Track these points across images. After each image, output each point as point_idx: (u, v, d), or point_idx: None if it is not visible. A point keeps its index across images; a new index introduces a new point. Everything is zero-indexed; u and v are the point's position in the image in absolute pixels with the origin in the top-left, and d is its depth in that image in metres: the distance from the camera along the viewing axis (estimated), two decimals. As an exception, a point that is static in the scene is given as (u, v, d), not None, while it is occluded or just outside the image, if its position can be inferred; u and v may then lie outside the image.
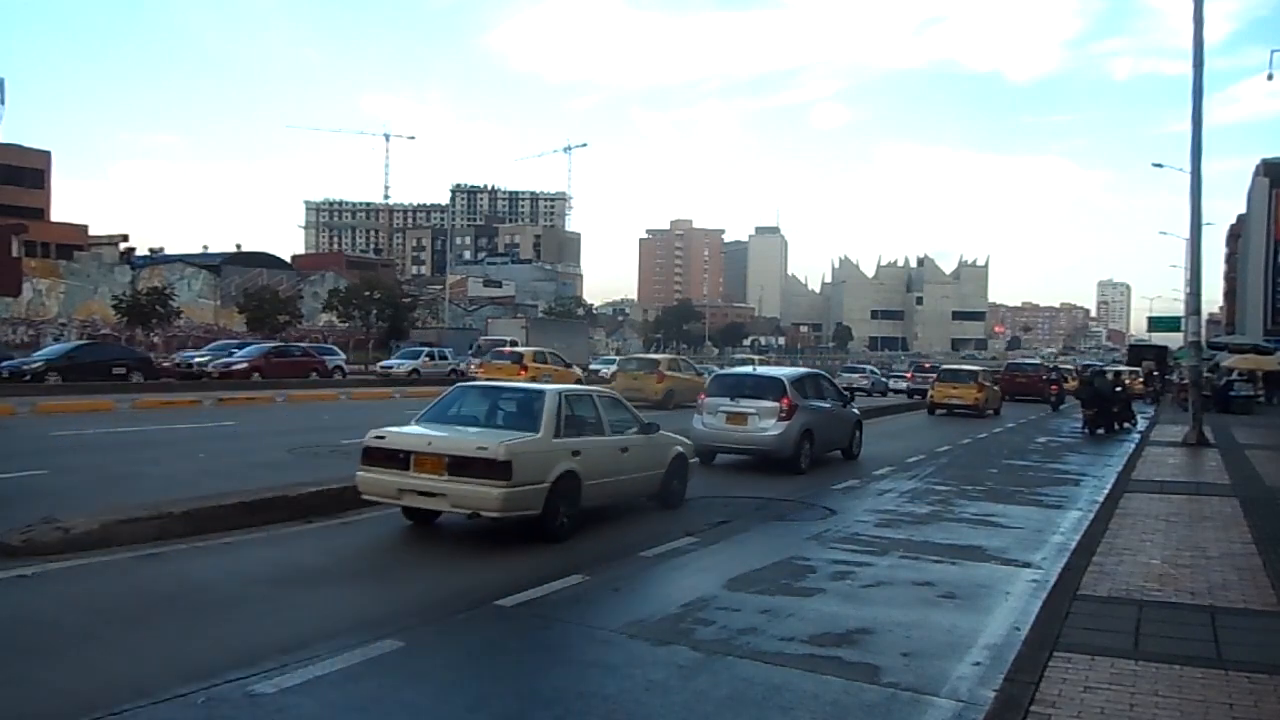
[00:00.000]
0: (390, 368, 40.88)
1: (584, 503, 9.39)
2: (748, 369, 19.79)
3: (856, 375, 47.07)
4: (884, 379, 49.49)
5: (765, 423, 14.80)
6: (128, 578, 7.04)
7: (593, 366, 58.24)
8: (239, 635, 5.79)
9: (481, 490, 8.36)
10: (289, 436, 16.22)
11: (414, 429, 9.50)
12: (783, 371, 17.10)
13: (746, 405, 15.10)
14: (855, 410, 17.88)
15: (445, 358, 43.67)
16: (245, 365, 32.76)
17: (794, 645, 5.95)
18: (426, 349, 45.75)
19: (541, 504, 8.73)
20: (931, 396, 30.51)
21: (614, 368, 36.50)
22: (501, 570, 7.62)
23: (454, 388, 10.90)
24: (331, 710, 4.73)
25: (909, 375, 48.36)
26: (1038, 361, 57.73)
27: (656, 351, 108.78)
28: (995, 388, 32.09)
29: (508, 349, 35.52)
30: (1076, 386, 35.38)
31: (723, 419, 15.17)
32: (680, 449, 11.38)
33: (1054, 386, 37.12)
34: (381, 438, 9.13)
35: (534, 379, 25.71)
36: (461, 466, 8.47)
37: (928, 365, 50.61)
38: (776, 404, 14.92)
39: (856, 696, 5.13)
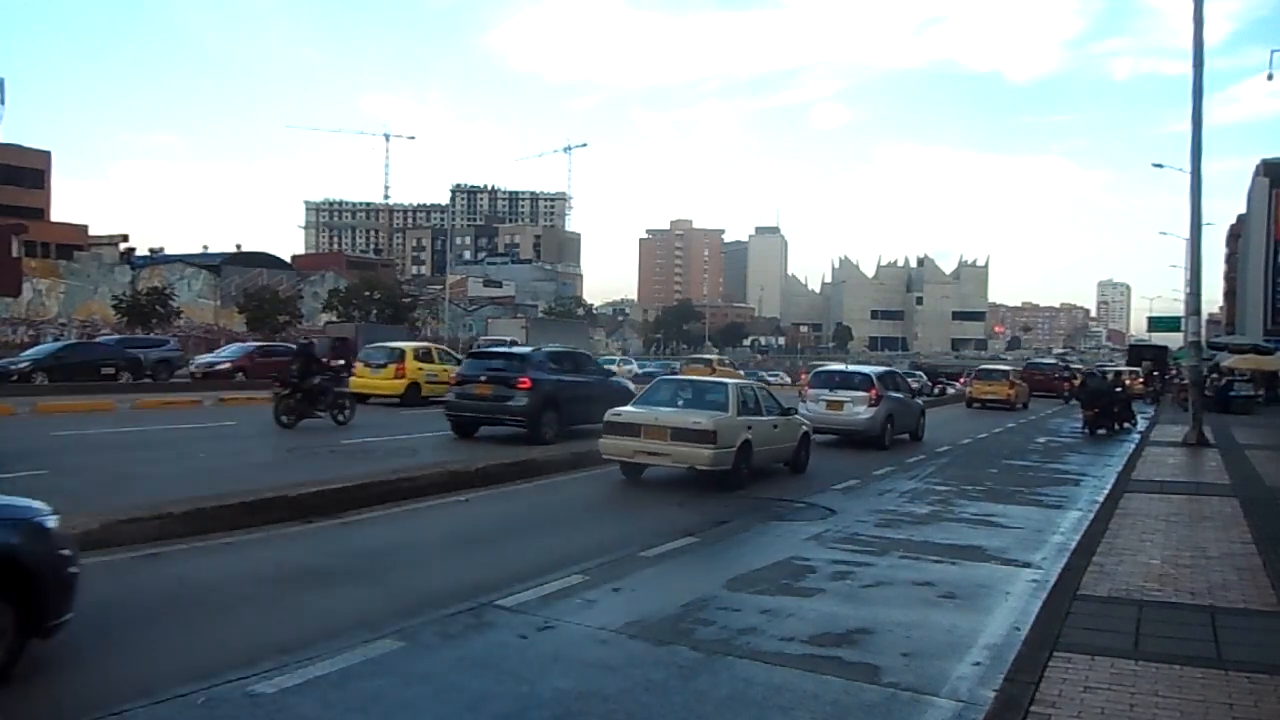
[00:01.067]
0: None
1: (753, 463, 12.82)
2: (840, 366, 23.84)
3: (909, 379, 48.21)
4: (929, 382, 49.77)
5: (858, 409, 18.48)
6: (128, 578, 7.04)
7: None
8: (239, 635, 5.79)
9: (696, 451, 11.96)
10: (289, 437, 16.22)
11: (639, 409, 13.14)
12: (869, 368, 21.35)
13: (842, 395, 18.80)
14: (919, 402, 22.60)
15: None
16: (229, 365, 32.18)
17: (794, 645, 5.95)
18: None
19: (731, 461, 12.27)
20: (970, 392, 35.26)
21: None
22: (501, 570, 7.61)
23: (656, 380, 15.75)
24: (331, 710, 4.73)
25: (960, 380, 50.04)
26: (1053, 361, 65.00)
27: (656, 352, 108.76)
28: (1024, 384, 36.57)
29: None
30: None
31: (823, 406, 18.66)
32: (806, 428, 15.06)
33: (1066, 384, 41.10)
34: (619, 415, 12.90)
35: (717, 375, 30.73)
36: (681, 435, 12.10)
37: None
38: (867, 394, 18.63)
39: (856, 696, 5.13)
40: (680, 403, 13.31)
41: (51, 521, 5.08)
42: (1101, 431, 23.93)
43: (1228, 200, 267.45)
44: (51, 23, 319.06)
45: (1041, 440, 22.58)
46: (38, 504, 5.11)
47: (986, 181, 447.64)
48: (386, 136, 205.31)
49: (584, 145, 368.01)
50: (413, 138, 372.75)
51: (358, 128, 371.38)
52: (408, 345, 26.61)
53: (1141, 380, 41.69)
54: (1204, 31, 19.73)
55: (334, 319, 70.06)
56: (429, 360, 25.06)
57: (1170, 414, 31.71)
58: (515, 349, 20.09)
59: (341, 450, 14.84)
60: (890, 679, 5.39)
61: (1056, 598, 6.84)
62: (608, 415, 12.99)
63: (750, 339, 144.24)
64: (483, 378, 16.70)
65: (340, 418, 18.15)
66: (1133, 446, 20.04)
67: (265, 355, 33.88)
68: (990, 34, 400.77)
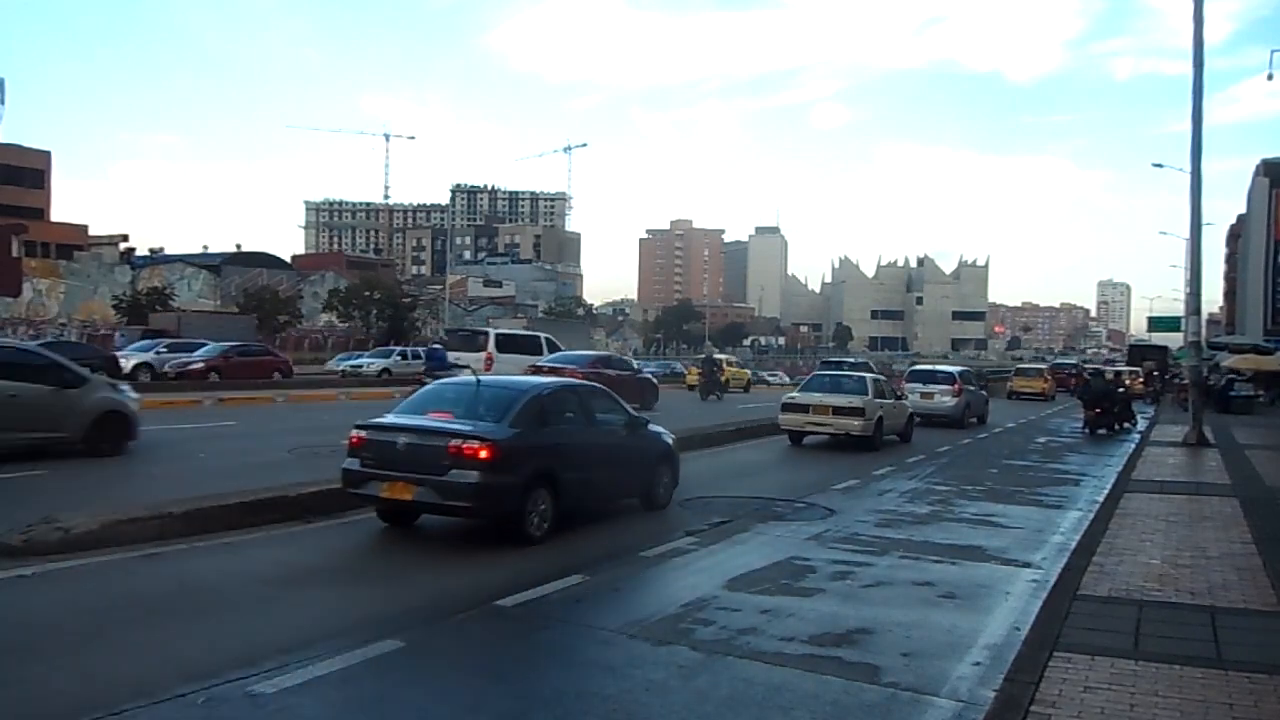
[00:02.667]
0: (360, 367, 39.91)
1: (883, 432, 18.15)
2: (929, 365, 33.50)
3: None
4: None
5: (945, 399, 24.52)
6: (128, 578, 7.04)
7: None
8: (239, 635, 5.79)
9: (849, 422, 17.50)
10: (289, 436, 16.20)
11: (806, 393, 18.76)
12: (954, 368, 29.85)
13: (933, 388, 24.88)
14: (985, 393, 28.22)
15: (420, 357, 42.00)
16: (202, 365, 31.52)
17: (794, 645, 5.95)
18: (399, 348, 44.67)
19: (872, 430, 17.62)
20: (1011, 386, 42.99)
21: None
22: (502, 570, 7.61)
23: (812, 374, 22.52)
24: (331, 710, 4.73)
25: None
26: (1074, 361, 73.43)
27: (656, 353, 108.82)
28: (1053, 381, 44.26)
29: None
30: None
31: (918, 396, 24.07)
32: (910, 410, 20.78)
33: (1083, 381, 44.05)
34: (793, 397, 18.80)
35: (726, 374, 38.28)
36: (839, 411, 17.69)
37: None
38: (951, 387, 24.92)
39: (856, 696, 5.13)
40: (832, 389, 18.77)
41: (670, 439, 11.11)
42: (1102, 431, 23.93)
43: (1228, 200, 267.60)
44: (51, 23, 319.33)
45: (1041, 440, 22.59)
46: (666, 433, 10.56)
47: (986, 181, 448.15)
48: (386, 136, 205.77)
49: (584, 145, 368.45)
50: (413, 138, 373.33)
51: (358, 128, 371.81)
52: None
53: (1141, 380, 41.75)
54: (1204, 31, 19.74)
55: (334, 319, 70.17)
56: None
57: (1170, 414, 31.70)
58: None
59: (342, 450, 14.81)
60: (890, 679, 5.39)
61: (1056, 598, 6.84)
62: (784, 398, 19.42)
63: (750, 339, 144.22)
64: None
65: None
66: (1133, 446, 20.04)
67: (240, 355, 33.19)
68: (991, 34, 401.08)
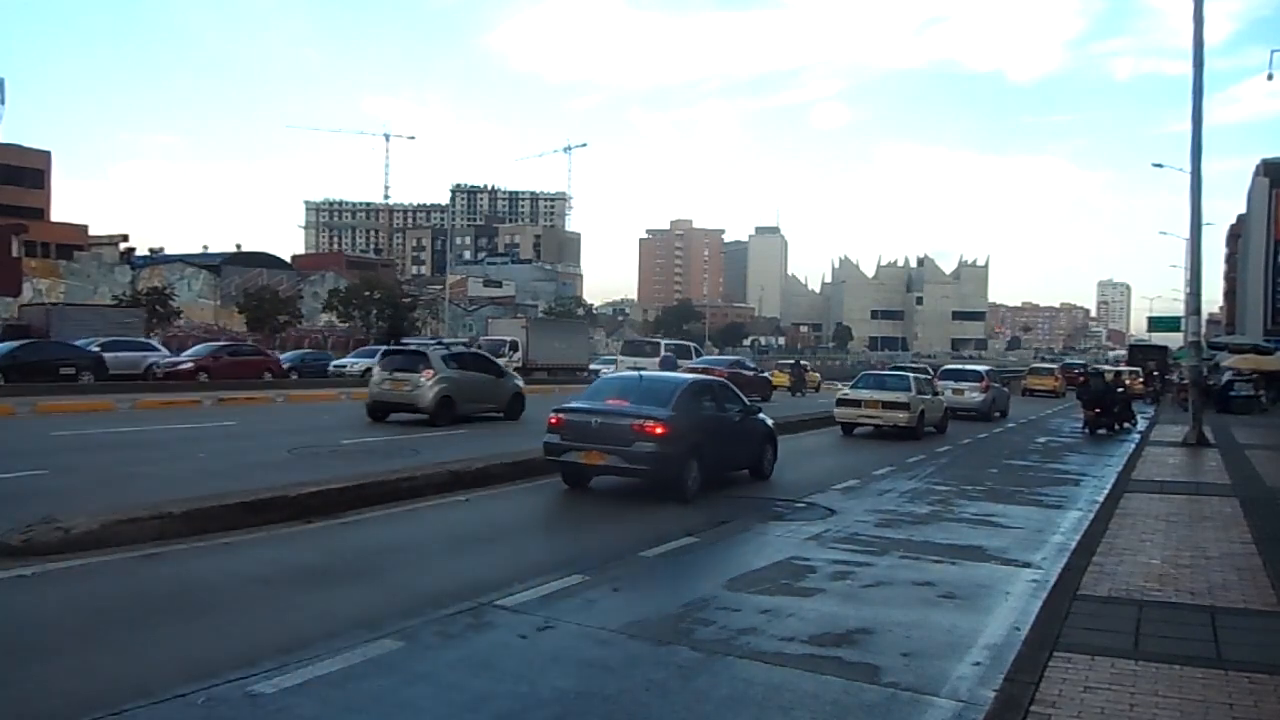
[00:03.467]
0: (343, 367, 38.69)
1: (924, 424, 20.95)
2: (959, 365, 36.91)
3: None
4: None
5: (974, 395, 27.68)
6: (128, 578, 7.04)
7: (592, 366, 57.62)
8: (239, 635, 5.78)
9: (895, 415, 20.23)
10: (289, 436, 16.21)
11: (857, 390, 21.74)
12: (980, 367, 33.82)
13: (963, 385, 28.06)
14: (1007, 390, 32.33)
15: None
16: (191, 365, 31.33)
17: (794, 645, 5.95)
18: (384, 348, 44.68)
19: (915, 423, 20.44)
20: (1025, 383, 47.06)
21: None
22: (501, 570, 7.61)
23: (861, 374, 24.85)
24: (331, 710, 4.73)
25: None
26: (1083, 362, 76.03)
27: (655, 352, 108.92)
28: (1063, 379, 47.18)
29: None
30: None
31: (950, 392, 26.48)
32: (947, 405, 23.94)
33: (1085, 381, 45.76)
34: (847, 394, 21.72)
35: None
36: (888, 405, 20.49)
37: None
38: (979, 384, 28.31)
39: (856, 696, 5.13)
40: (880, 387, 21.76)
41: (771, 423, 13.01)
42: (1102, 431, 23.92)
43: (1228, 200, 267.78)
44: (51, 23, 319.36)
45: (1041, 440, 22.58)
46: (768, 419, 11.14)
47: (986, 181, 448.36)
48: (386, 136, 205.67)
49: (584, 145, 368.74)
50: (413, 138, 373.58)
51: (358, 128, 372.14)
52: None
53: (1142, 380, 41.75)
54: (1204, 31, 19.74)
55: (334, 319, 70.14)
56: None
57: (1170, 414, 31.70)
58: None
59: (342, 450, 14.85)
60: (890, 679, 5.39)
61: (1056, 598, 6.84)
62: (839, 394, 23.01)
63: (750, 339, 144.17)
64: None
65: None
66: (1133, 446, 20.04)
67: (231, 355, 32.94)
68: (991, 34, 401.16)
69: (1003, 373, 49.07)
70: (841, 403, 21.60)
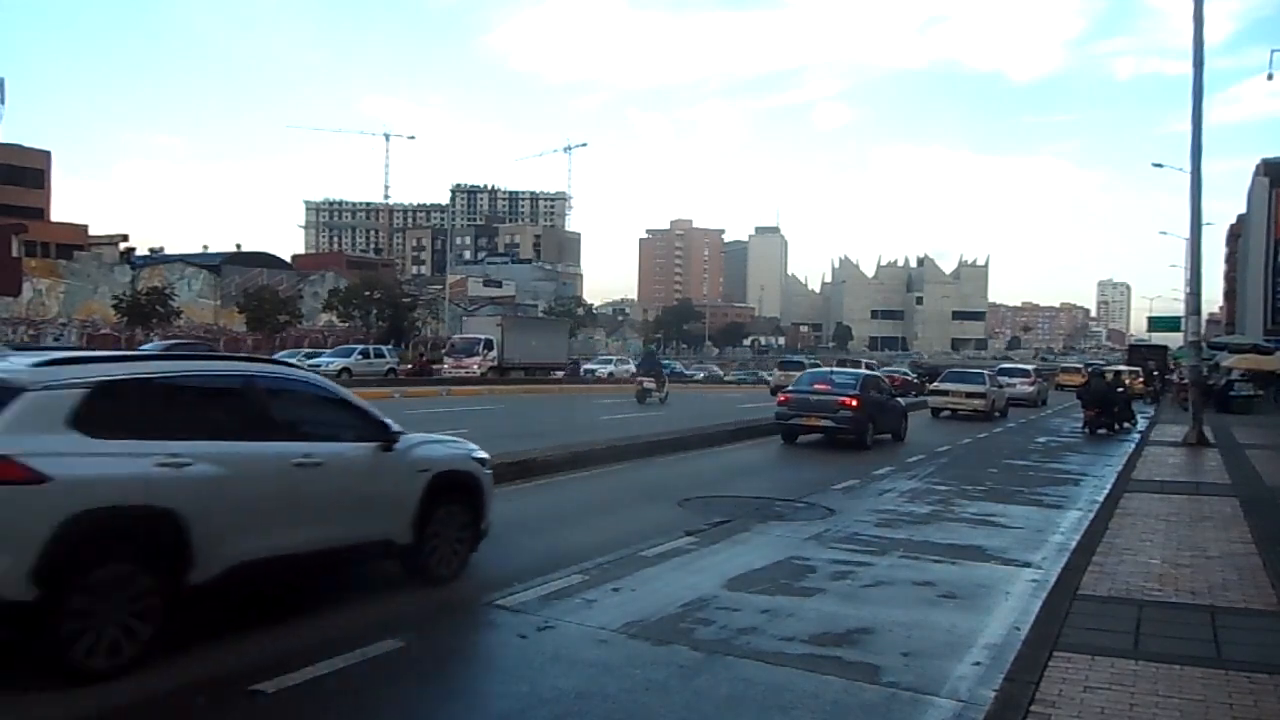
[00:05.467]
0: (318, 367, 37.42)
1: (996, 409, 28.46)
2: (1010, 364, 47.48)
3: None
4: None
5: (1025, 387, 35.40)
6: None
7: (589, 366, 57.14)
8: (239, 635, 5.78)
9: (975, 403, 27.66)
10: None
11: (946, 383, 29.21)
12: (1028, 365, 47.91)
13: (1015, 380, 35.39)
14: (1046, 384, 41.11)
15: (383, 355, 41.51)
16: None
17: (794, 645, 5.95)
18: (360, 347, 43.54)
19: (989, 408, 27.82)
20: (1057, 379, 51.91)
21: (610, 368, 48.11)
22: (502, 570, 7.61)
23: (946, 371, 33.82)
24: (331, 710, 4.73)
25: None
26: (1103, 362, 78.73)
27: (663, 352, 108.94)
28: (1089, 375, 54.19)
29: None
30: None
31: (1008, 386, 32.87)
32: (1007, 395, 31.03)
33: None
34: (938, 386, 29.42)
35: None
36: (970, 395, 27.98)
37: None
38: (1029, 379, 36.99)
39: (856, 696, 5.13)
40: (962, 381, 29.29)
41: (904, 403, 18.25)
42: (1102, 431, 23.92)
43: (1228, 200, 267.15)
44: (51, 22, 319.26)
45: (1041, 440, 22.57)
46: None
47: (986, 181, 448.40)
48: (386, 136, 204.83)
49: (584, 145, 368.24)
50: (413, 138, 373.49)
51: (358, 128, 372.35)
52: None
53: (1142, 380, 41.78)
54: (1204, 31, 19.72)
55: (334, 319, 70.07)
56: None
57: (1170, 414, 31.69)
58: None
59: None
60: (890, 679, 5.39)
61: (1056, 598, 6.84)
62: (932, 385, 31.32)
63: (750, 339, 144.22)
64: None
65: None
66: (1133, 446, 20.03)
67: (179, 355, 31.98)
68: (993, 34, 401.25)
69: (1043, 370, 56.11)
70: (934, 393, 29.54)
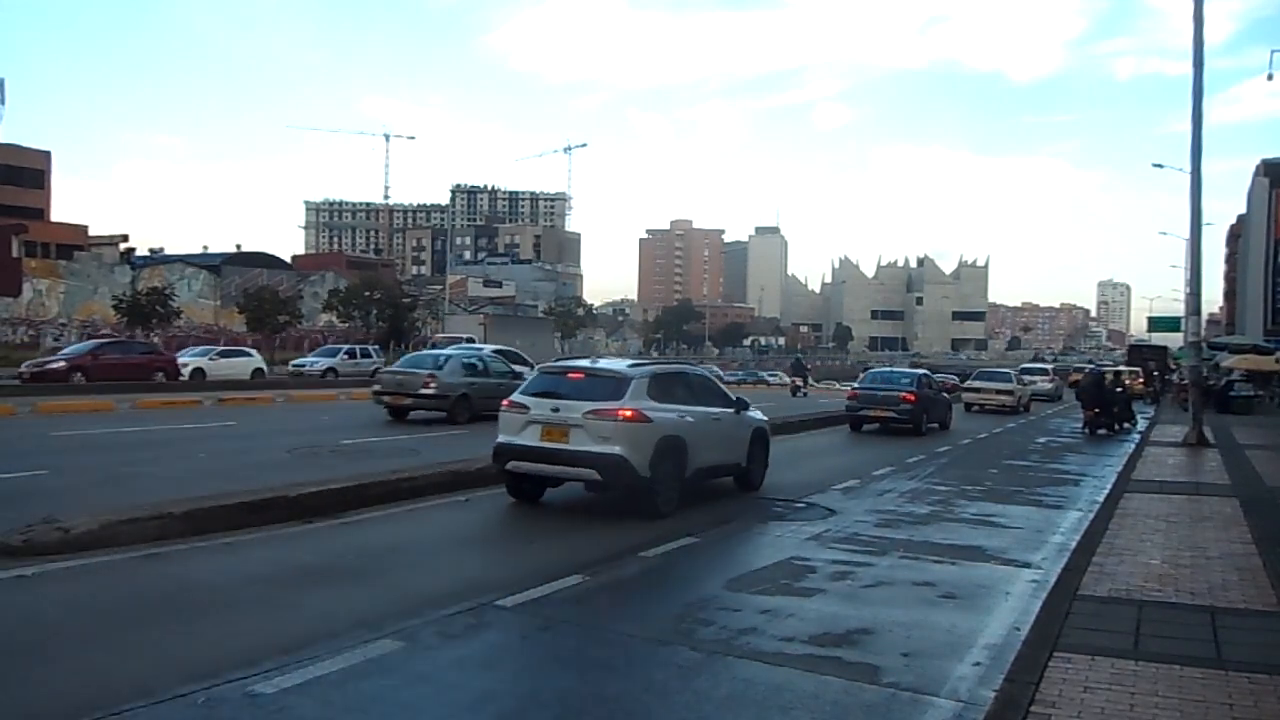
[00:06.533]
0: (303, 366, 37.77)
1: (1021, 405, 33.35)
2: (1032, 364, 56.05)
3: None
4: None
5: (1045, 384, 41.02)
6: (128, 578, 7.04)
7: None
8: (240, 635, 5.78)
9: (1004, 399, 32.13)
10: (289, 437, 16.22)
11: (977, 381, 33.91)
12: (1047, 365, 56.98)
13: (1036, 378, 40.85)
14: (1061, 382, 45.25)
15: (370, 355, 40.67)
16: (63, 365, 27.73)
17: (794, 645, 5.94)
18: (346, 346, 42.83)
19: (1017, 403, 32.66)
20: (1071, 378, 51.10)
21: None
22: (502, 570, 7.62)
23: (977, 371, 38.46)
24: (331, 710, 4.73)
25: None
26: (1093, 364, 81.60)
27: (656, 352, 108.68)
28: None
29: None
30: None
31: (1030, 383, 37.92)
32: (1032, 391, 37.41)
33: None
34: (972, 384, 33.86)
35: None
36: (999, 391, 32.68)
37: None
38: (1048, 376, 43.96)
39: (856, 696, 5.13)
40: (991, 379, 33.59)
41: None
42: (1101, 431, 23.92)
43: (1228, 200, 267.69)
44: (51, 22, 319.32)
45: (1041, 440, 22.58)
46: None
47: (986, 181, 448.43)
48: (386, 136, 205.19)
49: (584, 145, 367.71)
50: (413, 138, 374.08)
51: (358, 128, 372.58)
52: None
53: (1141, 380, 41.80)
54: (1205, 31, 19.77)
55: (334, 319, 69.99)
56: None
57: (1170, 414, 31.71)
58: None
59: (342, 450, 14.84)
60: (890, 679, 5.39)
61: (1056, 598, 6.84)
62: (967, 383, 34.62)
63: (750, 339, 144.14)
64: None
65: None
66: (1133, 446, 20.04)
67: (112, 353, 29.63)
68: (993, 34, 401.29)
69: (1059, 369, 60.52)
70: (969, 390, 33.47)
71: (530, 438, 10.22)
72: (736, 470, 12.15)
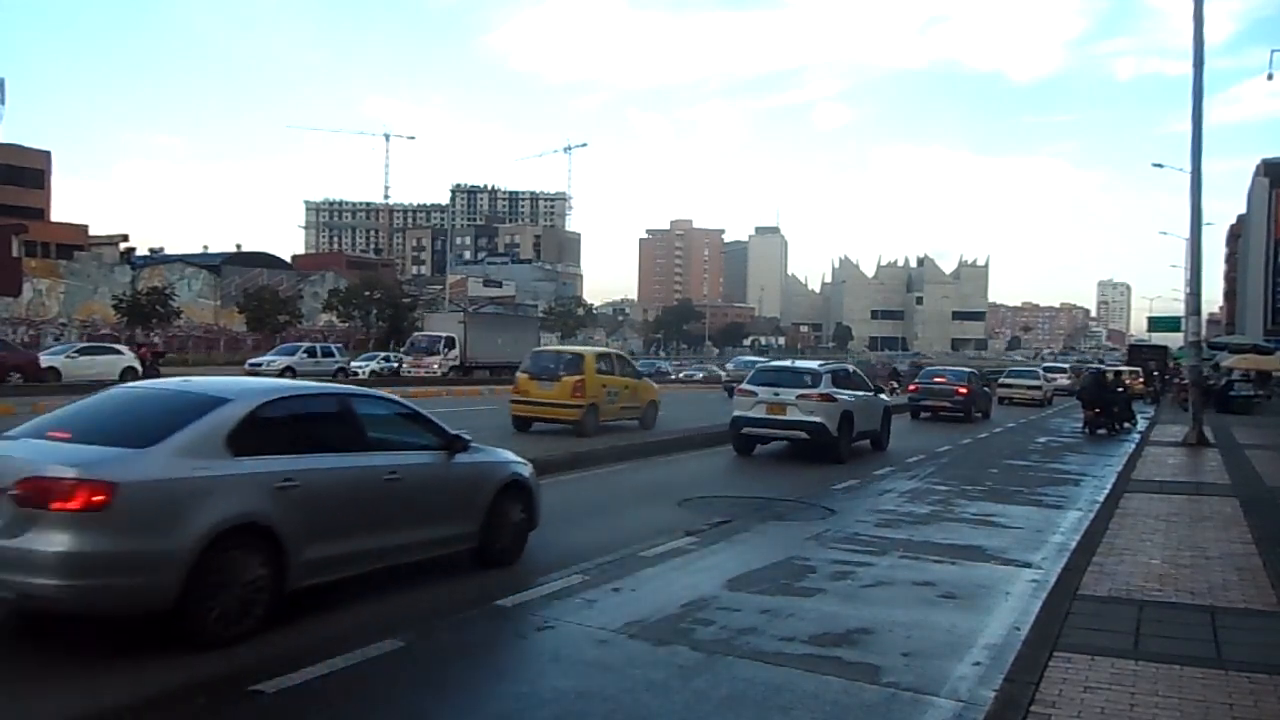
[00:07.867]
0: (259, 365, 35.87)
1: (1046, 399, 38.84)
2: (1052, 363, 68.87)
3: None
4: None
5: (1064, 380, 45.31)
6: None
7: None
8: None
9: (1033, 394, 37.57)
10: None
11: (1010, 378, 39.69)
12: (1064, 364, 63.68)
13: (1056, 375, 46.36)
14: (1078, 378, 42.45)
15: (331, 354, 39.40)
16: None
17: (794, 645, 5.94)
18: (306, 345, 41.58)
19: (1043, 397, 38.19)
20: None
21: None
22: (502, 570, 7.61)
23: (1008, 369, 46.25)
24: (331, 710, 4.73)
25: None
26: (1095, 363, 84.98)
27: (656, 352, 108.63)
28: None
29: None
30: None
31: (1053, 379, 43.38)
32: (1053, 387, 42.35)
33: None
34: (1005, 382, 38.60)
35: None
36: (1028, 388, 38.18)
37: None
38: (1066, 373, 49.79)
39: (856, 696, 5.12)
40: (1021, 376, 39.60)
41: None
42: (1101, 431, 23.91)
43: (1228, 200, 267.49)
44: (51, 22, 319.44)
45: (1041, 440, 22.57)
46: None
47: (986, 181, 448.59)
48: (386, 136, 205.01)
49: (584, 145, 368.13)
50: (413, 138, 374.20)
51: (358, 128, 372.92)
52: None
53: (1142, 380, 41.83)
54: (1205, 31, 19.75)
55: (334, 319, 70.07)
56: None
57: (1170, 414, 31.70)
58: None
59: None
60: (890, 679, 5.39)
61: (1056, 598, 6.83)
62: (999, 380, 38.31)
63: (750, 339, 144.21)
64: None
65: None
66: (1133, 446, 20.03)
67: None
68: (993, 34, 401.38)
69: (1077, 366, 62.85)
70: (1002, 385, 37.31)
71: (759, 412, 15.77)
72: (874, 435, 17.40)
